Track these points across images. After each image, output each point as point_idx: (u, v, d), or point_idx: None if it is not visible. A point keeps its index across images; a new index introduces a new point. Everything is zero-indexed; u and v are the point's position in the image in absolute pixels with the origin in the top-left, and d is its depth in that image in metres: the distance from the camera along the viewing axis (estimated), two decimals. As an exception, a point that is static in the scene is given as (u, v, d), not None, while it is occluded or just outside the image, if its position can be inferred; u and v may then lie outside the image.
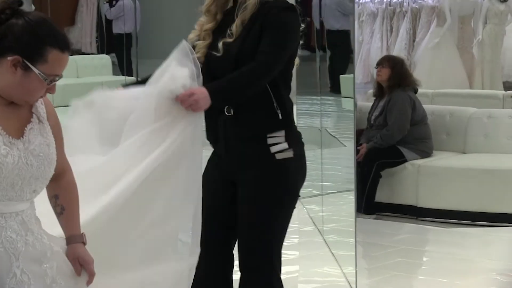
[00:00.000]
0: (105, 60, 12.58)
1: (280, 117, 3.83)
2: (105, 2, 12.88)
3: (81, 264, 3.01)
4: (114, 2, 12.72)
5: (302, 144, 4.01)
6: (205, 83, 3.70)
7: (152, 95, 3.58)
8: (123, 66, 11.23)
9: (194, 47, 3.87)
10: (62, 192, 3.06)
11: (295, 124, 4.01)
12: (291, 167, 3.88)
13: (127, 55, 11.60)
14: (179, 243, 3.58)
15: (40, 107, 2.96)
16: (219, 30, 3.93)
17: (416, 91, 7.84)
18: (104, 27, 12.71)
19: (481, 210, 7.29)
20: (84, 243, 3.04)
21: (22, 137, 2.85)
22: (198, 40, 3.95)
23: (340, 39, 11.64)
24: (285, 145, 3.86)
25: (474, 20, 12.05)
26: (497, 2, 11.77)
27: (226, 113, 3.87)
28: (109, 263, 3.27)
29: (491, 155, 7.68)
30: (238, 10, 3.87)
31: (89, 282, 3.03)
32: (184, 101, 3.50)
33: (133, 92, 3.76)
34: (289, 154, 3.87)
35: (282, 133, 3.86)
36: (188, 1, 13.45)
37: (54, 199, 3.05)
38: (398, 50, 13.02)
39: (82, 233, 3.06)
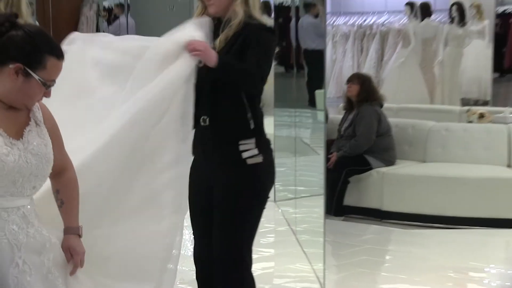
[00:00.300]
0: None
1: (252, 126, 3.82)
2: (103, 21, 12.82)
3: (71, 254, 3.01)
4: (111, 21, 12.66)
5: (271, 151, 4.00)
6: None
7: (165, 41, 3.59)
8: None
9: None
10: (63, 188, 3.06)
11: (265, 132, 3.98)
12: (261, 171, 3.89)
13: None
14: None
15: (37, 111, 2.98)
16: None
17: (382, 106, 7.82)
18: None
19: (438, 214, 7.28)
20: (80, 236, 3.05)
21: (22, 138, 2.88)
22: None
23: (316, 58, 11.65)
24: (255, 151, 3.84)
25: (436, 42, 12.06)
26: (456, 27, 11.82)
27: (202, 123, 3.86)
28: (103, 212, 3.29)
29: (448, 164, 7.67)
30: (223, 27, 3.85)
31: (72, 272, 3.02)
32: (193, 44, 3.52)
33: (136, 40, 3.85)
34: (259, 159, 3.86)
35: (253, 140, 3.84)
36: (179, 19, 13.45)
37: (56, 193, 3.08)
38: (368, 68, 13.07)
39: (80, 226, 3.06)
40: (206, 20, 3.73)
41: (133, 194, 3.37)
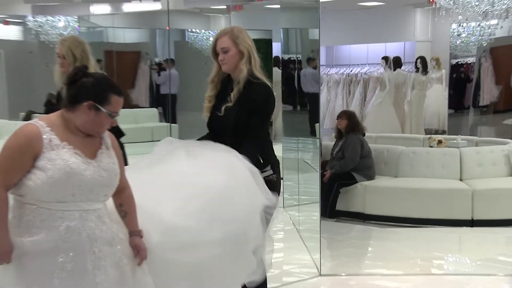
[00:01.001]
0: (154, 111, 12.58)
1: (262, 162, 3.77)
2: (155, 72, 12.90)
3: (137, 250, 3.02)
4: (161, 72, 12.74)
5: (279, 170, 3.99)
6: (208, 135, 3.87)
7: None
8: (167, 116, 11.25)
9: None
10: (125, 202, 3.08)
11: (275, 154, 3.99)
12: (273, 185, 3.84)
13: (172, 109, 11.58)
14: None
15: (107, 139, 3.02)
16: (218, 96, 3.94)
17: (364, 135, 7.81)
18: (154, 89, 12.72)
19: (408, 216, 7.25)
20: (141, 236, 3.04)
21: (96, 158, 2.90)
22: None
23: (314, 99, 11.67)
24: (270, 171, 3.86)
25: (405, 87, 12.05)
26: (420, 75, 11.81)
27: None
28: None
29: (415, 179, 7.64)
30: (234, 83, 3.87)
31: (139, 263, 3.02)
32: None
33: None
34: (273, 178, 3.87)
35: (268, 167, 3.84)
36: (210, 71, 13.55)
37: (119, 206, 3.07)
38: (354, 106, 13.03)
39: (140, 229, 3.06)
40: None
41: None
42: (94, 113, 2.86)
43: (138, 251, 3.00)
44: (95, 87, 2.87)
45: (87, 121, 2.87)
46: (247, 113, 3.78)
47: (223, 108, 3.83)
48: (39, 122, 2.84)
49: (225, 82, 3.95)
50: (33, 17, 12.82)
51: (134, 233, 3.03)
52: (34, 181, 2.74)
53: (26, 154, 2.75)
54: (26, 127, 2.81)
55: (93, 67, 4.75)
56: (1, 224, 2.74)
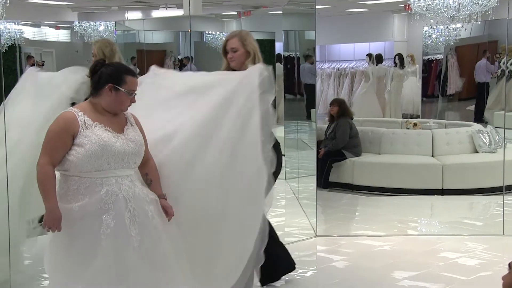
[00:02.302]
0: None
1: None
2: (177, 68, 12.84)
3: (165, 210, 2.98)
4: (182, 68, 12.64)
5: (280, 148, 3.80)
6: None
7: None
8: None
9: None
10: (150, 171, 3.04)
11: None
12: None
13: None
14: None
15: (131, 118, 3.02)
16: None
17: (352, 119, 7.68)
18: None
19: (389, 186, 7.13)
20: (165, 199, 3.00)
21: (123, 132, 2.90)
22: None
23: (310, 89, 11.57)
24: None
25: (386, 79, 11.93)
26: (398, 69, 11.72)
27: None
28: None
29: (394, 155, 7.51)
30: None
31: (169, 219, 2.99)
32: None
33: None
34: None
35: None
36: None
37: (145, 176, 3.04)
38: (343, 95, 12.96)
39: (164, 193, 3.01)
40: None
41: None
42: (115, 94, 2.86)
43: (166, 210, 2.98)
44: (112, 72, 2.88)
45: (110, 101, 2.88)
46: None
47: None
48: (74, 109, 2.88)
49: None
50: (79, 23, 12.78)
51: (160, 196, 3.00)
52: (75, 155, 2.75)
53: (66, 134, 2.78)
54: (63, 113, 2.85)
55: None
56: (51, 195, 2.75)
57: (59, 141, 2.76)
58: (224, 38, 4.07)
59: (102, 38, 5.28)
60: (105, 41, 4.77)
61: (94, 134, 2.78)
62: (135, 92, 2.91)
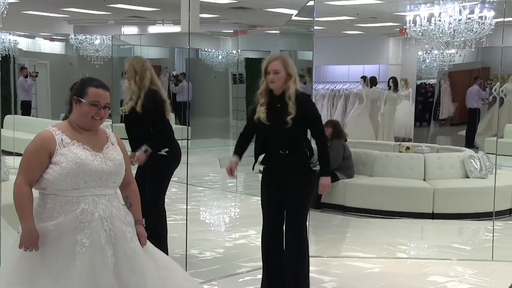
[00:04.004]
0: (172, 116, 12.60)
1: (308, 154, 4.02)
2: (173, 83, 12.86)
3: (139, 236, 2.97)
4: (177, 83, 12.71)
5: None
6: (259, 136, 4.09)
7: None
8: (180, 119, 11.21)
9: (255, 109, 4.08)
10: (131, 195, 3.05)
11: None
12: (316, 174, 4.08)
13: (184, 114, 11.55)
14: None
15: (113, 137, 2.99)
16: (269, 105, 4.02)
17: (346, 140, 7.74)
18: (171, 97, 12.68)
19: (380, 209, 7.18)
20: (143, 225, 3.03)
21: (102, 151, 2.88)
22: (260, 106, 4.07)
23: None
24: (317, 162, 4.05)
25: (379, 101, 12.06)
26: (391, 92, 11.85)
27: (281, 152, 4.01)
28: None
29: (386, 178, 7.56)
30: (285, 96, 3.95)
31: (142, 244, 2.96)
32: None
33: None
34: (318, 167, 4.05)
35: (315, 158, 4.05)
36: (220, 84, 13.60)
37: (126, 198, 3.05)
38: (336, 116, 13.04)
39: (143, 218, 3.04)
40: None
41: None
42: (79, 106, 2.85)
43: (139, 238, 2.96)
44: (77, 86, 2.89)
45: (76, 114, 2.87)
46: (305, 120, 3.97)
47: (288, 118, 3.91)
48: (52, 128, 2.88)
49: (278, 97, 4.05)
50: (74, 35, 12.84)
51: (138, 222, 2.99)
52: (52, 174, 2.75)
53: (43, 153, 2.78)
54: (41, 133, 2.86)
55: (148, 79, 4.70)
56: (28, 215, 2.75)
57: (36, 160, 2.77)
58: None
59: (135, 56, 5.44)
60: (137, 58, 4.84)
61: (71, 152, 2.78)
62: (100, 103, 2.86)
